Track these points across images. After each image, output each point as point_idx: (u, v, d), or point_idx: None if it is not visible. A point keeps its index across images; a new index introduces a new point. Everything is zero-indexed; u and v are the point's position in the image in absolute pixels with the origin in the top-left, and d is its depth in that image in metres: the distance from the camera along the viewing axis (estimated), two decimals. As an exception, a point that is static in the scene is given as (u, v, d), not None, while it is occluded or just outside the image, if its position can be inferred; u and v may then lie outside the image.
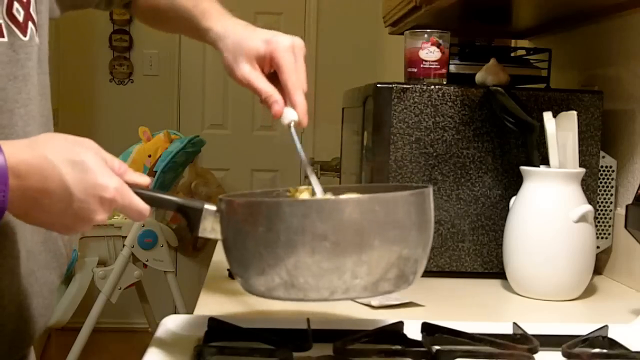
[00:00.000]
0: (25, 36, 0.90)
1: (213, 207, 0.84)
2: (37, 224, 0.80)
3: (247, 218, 0.79)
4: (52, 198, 0.75)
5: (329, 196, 0.89)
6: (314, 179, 0.90)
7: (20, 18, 0.89)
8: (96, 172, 0.76)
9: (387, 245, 0.77)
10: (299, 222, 0.75)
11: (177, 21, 1.09)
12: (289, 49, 0.95)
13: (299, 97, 0.94)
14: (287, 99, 0.95)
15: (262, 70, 0.97)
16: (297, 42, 0.97)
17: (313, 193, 0.90)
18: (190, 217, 0.84)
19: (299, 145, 0.93)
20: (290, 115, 0.94)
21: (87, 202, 0.76)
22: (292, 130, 0.94)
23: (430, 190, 0.82)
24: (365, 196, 0.80)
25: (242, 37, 0.98)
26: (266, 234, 0.77)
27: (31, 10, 0.92)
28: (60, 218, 0.77)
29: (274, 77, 0.97)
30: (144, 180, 0.83)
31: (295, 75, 0.94)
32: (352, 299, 0.79)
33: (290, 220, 0.76)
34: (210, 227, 0.83)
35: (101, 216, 0.78)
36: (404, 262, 0.79)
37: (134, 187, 0.81)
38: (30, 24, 0.91)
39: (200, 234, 0.84)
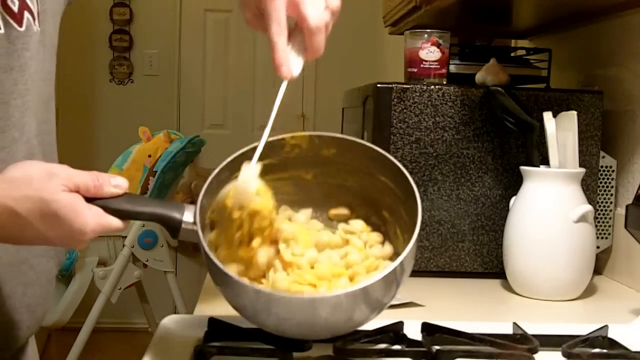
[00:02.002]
0: (21, 26, 0.89)
1: (190, 219, 0.82)
2: None
3: (217, 279, 0.82)
4: (30, 242, 0.79)
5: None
6: (262, 141, 0.87)
7: (15, 8, 0.88)
8: (70, 220, 0.76)
9: (352, 321, 0.82)
10: (265, 306, 0.79)
11: None
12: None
13: (275, 40, 0.85)
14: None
15: None
16: None
17: (310, 139, 0.91)
18: (170, 227, 0.83)
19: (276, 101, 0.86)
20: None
21: (65, 244, 0.79)
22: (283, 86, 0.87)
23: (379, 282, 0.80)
24: (329, 296, 0.80)
25: None
26: (235, 298, 0.81)
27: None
28: (42, 249, 0.82)
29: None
30: (122, 188, 0.81)
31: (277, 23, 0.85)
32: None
33: (255, 303, 0.79)
34: (190, 236, 0.83)
35: (81, 246, 0.80)
36: (370, 314, 0.83)
37: (112, 199, 0.80)
38: (26, 14, 0.90)
39: (181, 239, 0.84)
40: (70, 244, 0.79)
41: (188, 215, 0.82)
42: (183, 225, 0.82)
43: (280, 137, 0.91)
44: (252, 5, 0.89)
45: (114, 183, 0.80)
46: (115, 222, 0.80)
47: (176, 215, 0.82)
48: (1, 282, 0.92)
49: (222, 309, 1.10)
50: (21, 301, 0.95)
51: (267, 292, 0.79)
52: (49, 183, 0.76)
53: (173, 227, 0.82)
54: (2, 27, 0.87)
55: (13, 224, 0.75)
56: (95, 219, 0.77)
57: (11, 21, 0.88)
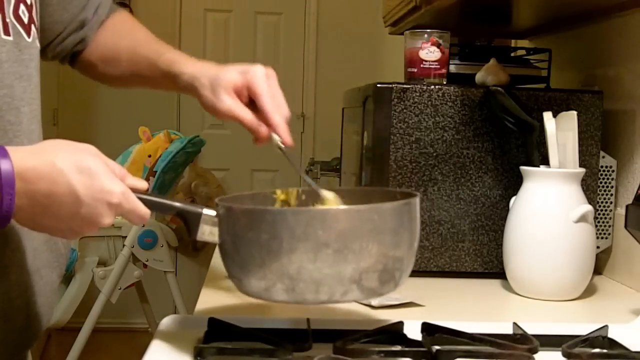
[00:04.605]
0: (29, 37, 0.91)
1: (212, 212, 0.85)
2: (44, 230, 0.81)
3: (250, 225, 0.81)
4: (60, 203, 0.77)
5: (332, 197, 0.93)
6: (314, 185, 0.96)
7: (26, 20, 0.91)
8: (102, 177, 0.78)
9: (383, 250, 0.81)
10: (303, 230, 0.78)
11: (140, 73, 1.10)
12: (263, 77, 0.98)
13: (277, 119, 0.96)
14: (268, 123, 0.97)
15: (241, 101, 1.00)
16: (270, 70, 1.00)
17: (298, 195, 0.97)
18: (189, 221, 0.85)
19: (293, 161, 0.97)
20: (276, 137, 0.98)
21: (94, 207, 0.78)
22: (283, 149, 0.97)
23: (418, 198, 0.87)
24: (365, 206, 0.83)
25: (217, 73, 1.00)
26: (269, 242, 0.79)
27: (33, 14, 0.93)
28: (67, 223, 0.78)
29: (254, 106, 1.00)
30: (143, 184, 0.84)
31: (272, 100, 0.97)
32: (349, 302, 0.83)
33: (294, 229, 0.79)
34: (208, 231, 0.85)
35: (107, 220, 0.79)
36: (398, 264, 0.83)
37: (133, 191, 0.82)
38: (33, 27, 0.92)
39: (198, 238, 0.85)
40: (98, 205, 0.77)
41: (207, 210, 0.85)
42: (203, 217, 0.84)
43: (271, 191, 0.98)
44: (242, 98, 1.00)
45: (138, 180, 0.84)
46: (143, 207, 0.81)
47: (197, 208, 0.85)
48: (21, 289, 0.94)
49: (222, 309, 1.11)
50: (33, 309, 0.97)
51: (307, 209, 0.83)
52: (84, 148, 0.80)
53: (194, 218, 0.84)
54: (11, 34, 0.88)
55: (49, 178, 0.75)
56: (124, 188, 0.80)
57: (21, 30, 0.90)
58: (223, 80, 0.99)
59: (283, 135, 0.96)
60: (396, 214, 0.83)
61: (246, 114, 0.98)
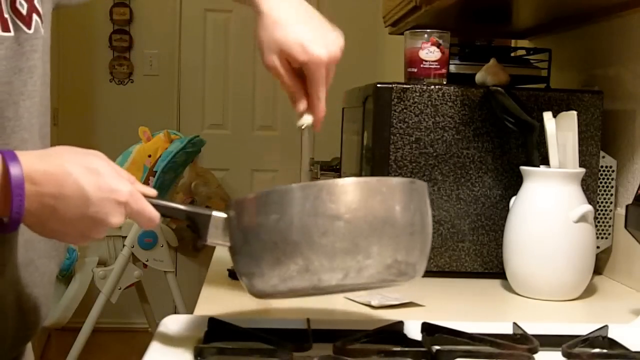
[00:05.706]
0: (30, 29, 0.91)
1: (222, 214, 0.84)
2: (53, 234, 0.81)
3: (259, 210, 0.81)
4: (68, 204, 0.77)
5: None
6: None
7: (24, 11, 0.90)
8: (110, 177, 0.78)
9: (396, 226, 0.81)
10: (312, 204, 0.78)
11: None
12: (322, 65, 0.95)
13: (321, 107, 0.96)
14: (309, 103, 0.96)
15: (291, 63, 0.96)
16: (334, 53, 0.97)
17: None
18: (199, 225, 0.85)
19: (305, 146, 0.96)
20: (305, 119, 0.96)
21: (102, 207, 0.78)
22: (306, 132, 0.96)
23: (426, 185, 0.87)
24: (374, 178, 0.83)
25: (282, 28, 0.96)
26: (279, 222, 0.79)
27: (35, 1, 0.92)
28: (76, 225, 0.78)
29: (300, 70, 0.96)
30: (152, 191, 0.84)
31: (322, 88, 0.95)
32: (364, 285, 0.82)
33: (303, 204, 0.78)
34: (218, 234, 0.84)
35: (115, 220, 0.79)
36: (411, 246, 0.83)
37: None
38: (34, 16, 0.92)
39: (209, 241, 0.85)
40: (106, 204, 0.78)
41: (217, 212, 0.85)
42: (212, 219, 0.84)
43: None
44: (294, 64, 0.96)
45: (146, 187, 0.84)
46: (152, 209, 0.81)
47: (206, 211, 0.85)
48: (12, 284, 0.93)
49: (222, 309, 1.11)
50: (27, 303, 0.96)
51: (315, 182, 0.81)
52: (92, 152, 0.81)
53: (203, 221, 0.84)
54: (12, 29, 0.88)
55: (58, 180, 0.76)
56: (131, 187, 0.80)
57: (20, 24, 0.90)
58: (281, 43, 0.95)
59: (317, 121, 0.95)
60: (404, 189, 0.83)
61: (289, 82, 0.96)
